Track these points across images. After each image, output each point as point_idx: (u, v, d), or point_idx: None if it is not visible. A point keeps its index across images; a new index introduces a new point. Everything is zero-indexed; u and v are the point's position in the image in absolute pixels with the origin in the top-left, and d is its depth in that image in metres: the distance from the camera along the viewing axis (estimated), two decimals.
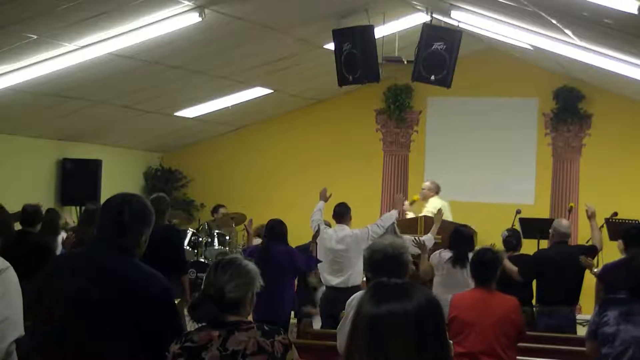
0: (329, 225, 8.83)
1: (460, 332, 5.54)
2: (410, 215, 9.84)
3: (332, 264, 8.34)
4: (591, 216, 8.05)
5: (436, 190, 10.68)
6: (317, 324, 8.60)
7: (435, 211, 9.34)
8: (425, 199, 10.61)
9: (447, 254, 7.80)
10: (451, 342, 5.24)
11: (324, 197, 8.92)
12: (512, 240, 8.57)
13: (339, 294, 7.98)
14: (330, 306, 8.12)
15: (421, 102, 13.32)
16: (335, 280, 8.34)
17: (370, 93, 12.88)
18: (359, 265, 8.40)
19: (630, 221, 10.56)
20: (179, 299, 7.16)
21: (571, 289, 7.81)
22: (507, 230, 9.02)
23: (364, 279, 8.68)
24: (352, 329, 2.09)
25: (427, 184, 10.77)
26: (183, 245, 9.92)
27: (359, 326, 2.05)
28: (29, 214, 7.98)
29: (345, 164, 13.37)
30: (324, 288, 8.80)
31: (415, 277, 7.37)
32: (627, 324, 4.95)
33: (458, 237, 7.84)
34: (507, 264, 7.71)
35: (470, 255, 7.64)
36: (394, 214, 8.81)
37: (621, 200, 11.61)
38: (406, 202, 9.96)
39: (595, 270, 7.62)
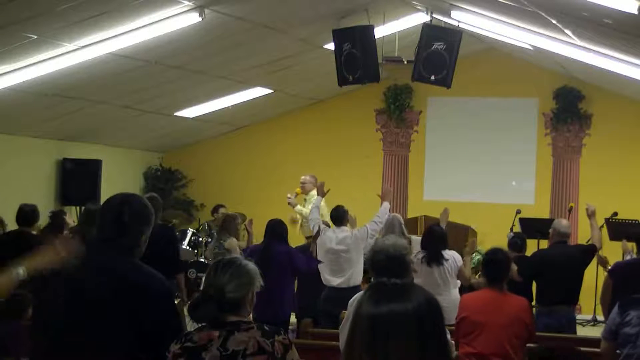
0: (328, 226, 8.82)
1: (470, 333, 5.51)
2: (298, 207, 10.15)
3: (333, 264, 8.33)
4: (591, 215, 8.05)
5: (315, 184, 10.78)
6: None
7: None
8: (306, 192, 10.75)
9: (421, 254, 7.78)
10: (452, 340, 5.22)
11: (322, 193, 8.92)
12: (517, 240, 8.59)
13: (340, 294, 7.99)
14: (330, 306, 8.11)
15: (421, 102, 13.31)
16: (336, 281, 8.33)
17: (370, 93, 12.87)
18: (360, 265, 8.40)
19: (630, 221, 10.58)
20: (178, 299, 7.16)
21: (571, 289, 7.81)
22: (512, 232, 9.03)
23: (371, 278, 8.68)
24: (352, 327, 2.09)
25: (307, 177, 10.86)
26: (178, 243, 9.90)
27: (359, 325, 2.06)
28: (26, 213, 7.97)
29: (346, 164, 13.36)
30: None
31: None
32: None
33: (431, 236, 7.89)
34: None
35: (444, 253, 7.69)
36: (386, 206, 8.77)
37: (621, 200, 11.62)
38: (289, 195, 10.15)
39: (609, 267, 7.64)
